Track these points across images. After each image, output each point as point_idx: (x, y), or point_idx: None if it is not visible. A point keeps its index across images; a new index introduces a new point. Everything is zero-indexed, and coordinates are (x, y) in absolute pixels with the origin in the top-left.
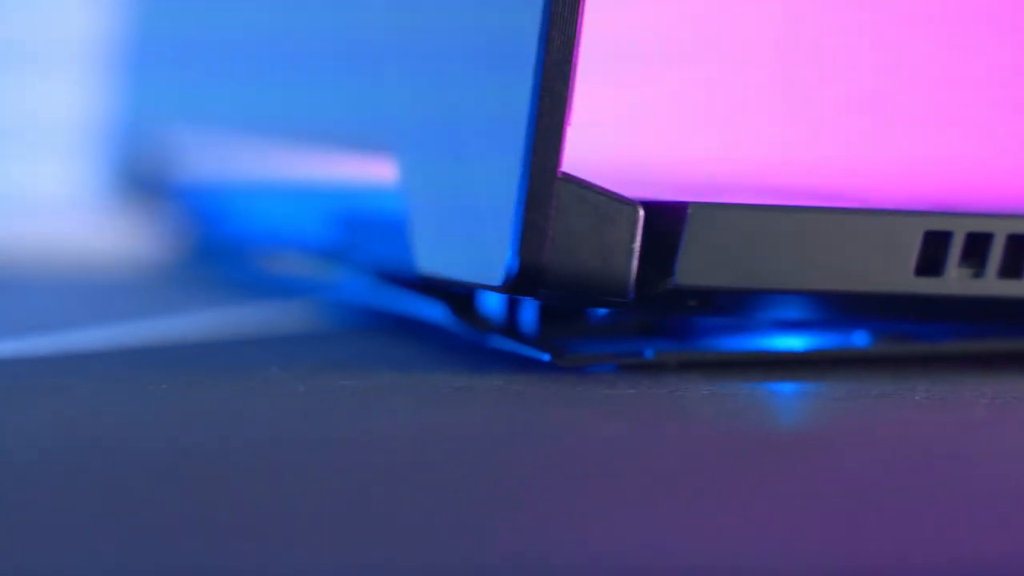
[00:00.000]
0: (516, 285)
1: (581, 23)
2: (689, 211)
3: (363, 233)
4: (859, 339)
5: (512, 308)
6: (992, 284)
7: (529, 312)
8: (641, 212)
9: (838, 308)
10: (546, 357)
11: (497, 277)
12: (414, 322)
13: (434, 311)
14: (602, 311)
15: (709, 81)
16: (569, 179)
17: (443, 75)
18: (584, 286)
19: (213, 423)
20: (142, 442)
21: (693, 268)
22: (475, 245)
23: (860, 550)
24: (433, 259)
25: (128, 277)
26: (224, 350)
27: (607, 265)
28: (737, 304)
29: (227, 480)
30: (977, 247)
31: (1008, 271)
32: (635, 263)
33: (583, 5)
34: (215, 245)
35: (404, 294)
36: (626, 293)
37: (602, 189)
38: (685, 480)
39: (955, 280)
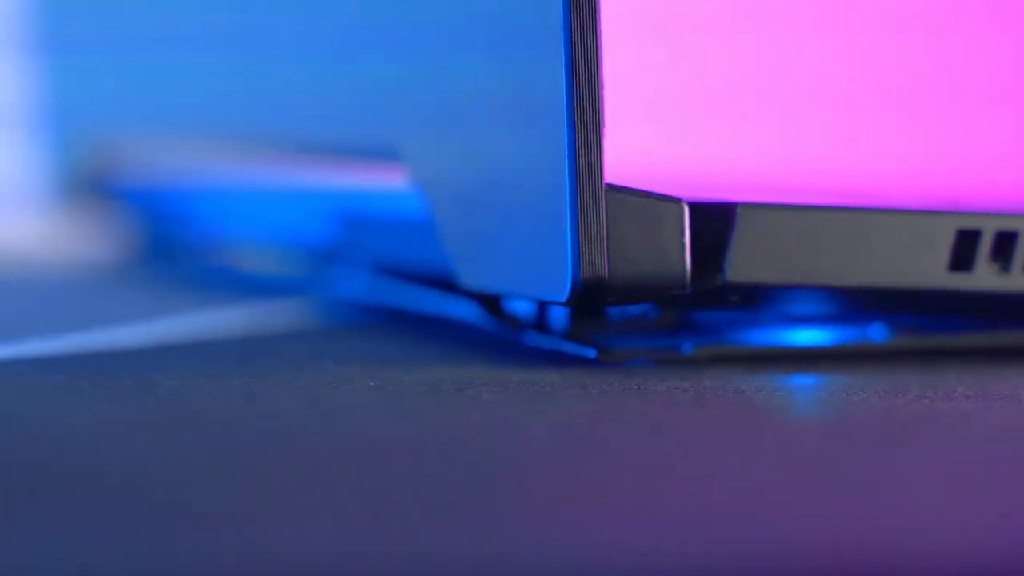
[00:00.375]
0: (581, 298)
1: (600, 41)
2: (738, 211)
3: (369, 232)
4: (875, 333)
5: (542, 307)
6: (1018, 280)
7: (558, 310)
8: (686, 207)
9: (875, 303)
10: (592, 353)
11: (562, 293)
12: (431, 319)
13: (460, 310)
14: (624, 309)
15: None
16: (613, 189)
17: (469, 90)
18: (645, 286)
19: (312, 416)
20: (259, 432)
21: (742, 265)
22: (531, 261)
23: (966, 534)
24: (480, 274)
25: (91, 278)
26: (258, 346)
27: (663, 263)
28: (778, 299)
29: (354, 472)
30: (1004, 245)
31: None
32: (689, 256)
33: (600, 26)
34: (172, 244)
35: (418, 291)
36: (684, 286)
37: (645, 192)
38: (790, 468)
39: (984, 276)
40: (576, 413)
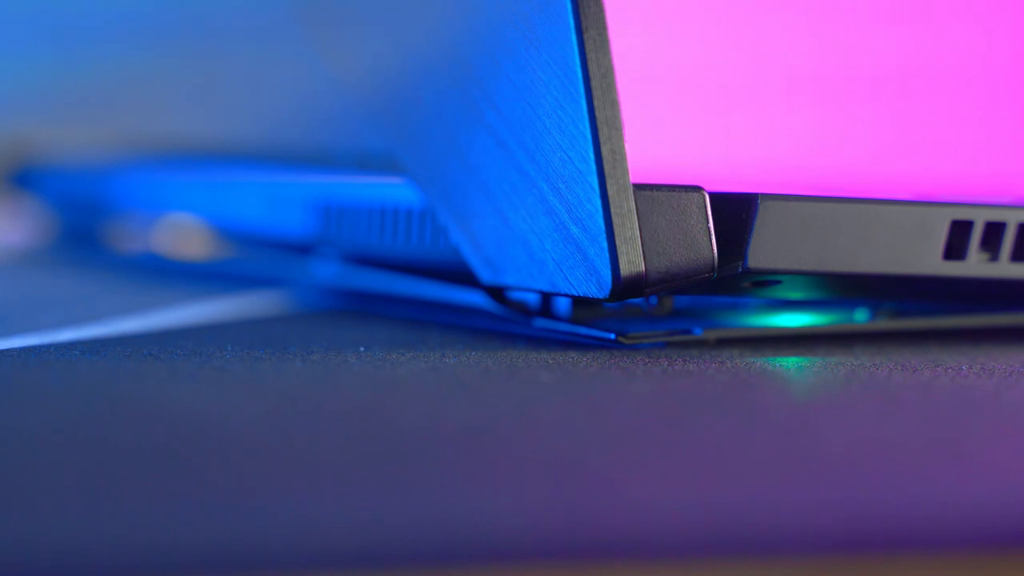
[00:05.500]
0: (623, 293)
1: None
2: (759, 202)
3: (350, 224)
4: (860, 316)
5: (546, 296)
6: (1005, 267)
7: (563, 299)
8: (706, 195)
9: (876, 289)
10: (611, 336)
11: (604, 290)
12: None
13: (465, 298)
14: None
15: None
16: (639, 187)
17: (484, 104)
18: (677, 274)
19: (397, 396)
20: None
21: (762, 252)
22: (569, 262)
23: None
24: (506, 273)
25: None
26: (263, 331)
27: (692, 250)
28: (790, 285)
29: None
30: (993, 235)
31: (1019, 255)
32: (714, 242)
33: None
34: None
35: (400, 280)
36: (713, 271)
37: (668, 185)
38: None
39: (975, 263)
40: (647, 388)
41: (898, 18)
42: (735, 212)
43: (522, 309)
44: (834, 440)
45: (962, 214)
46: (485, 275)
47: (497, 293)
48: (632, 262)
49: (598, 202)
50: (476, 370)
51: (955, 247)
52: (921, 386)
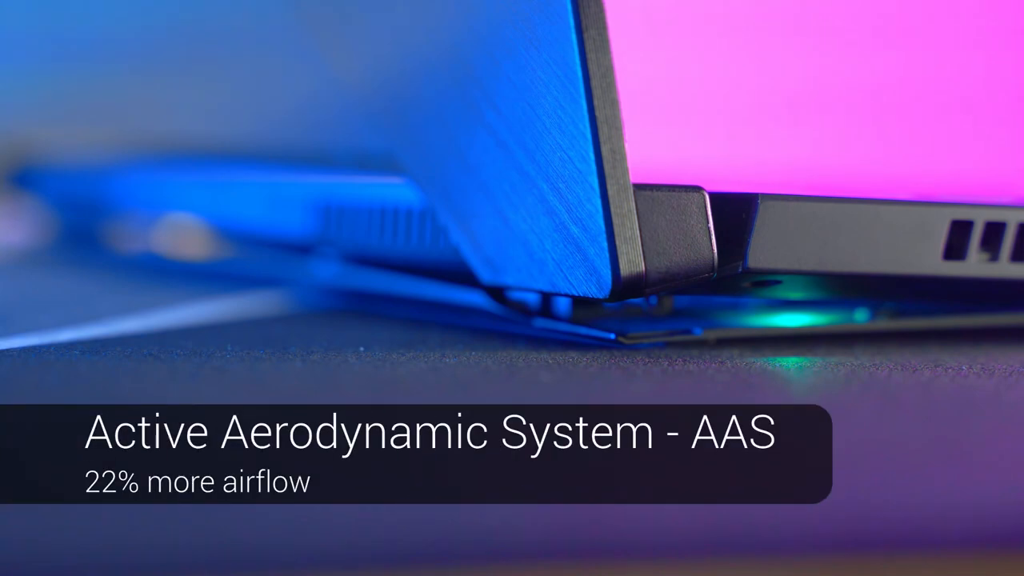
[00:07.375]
0: (623, 293)
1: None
2: (759, 202)
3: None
4: (860, 316)
5: (546, 296)
6: (1005, 267)
7: (563, 299)
8: (707, 195)
9: (877, 289)
10: (611, 336)
11: (604, 290)
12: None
13: (465, 298)
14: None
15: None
16: (639, 187)
17: (485, 106)
18: (677, 274)
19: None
20: None
21: (762, 252)
22: (569, 262)
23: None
24: (506, 273)
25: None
26: (261, 331)
27: (692, 250)
28: (790, 285)
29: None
30: (993, 235)
31: (1019, 255)
32: (714, 242)
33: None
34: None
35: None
36: (712, 271)
37: (668, 185)
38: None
39: (975, 263)
40: (647, 388)
41: (898, 18)
42: (735, 212)
43: (522, 309)
44: (835, 440)
45: (962, 214)
46: (485, 275)
47: (497, 293)
48: (632, 262)
49: (598, 202)
50: (476, 370)
51: (955, 247)
52: (921, 386)
